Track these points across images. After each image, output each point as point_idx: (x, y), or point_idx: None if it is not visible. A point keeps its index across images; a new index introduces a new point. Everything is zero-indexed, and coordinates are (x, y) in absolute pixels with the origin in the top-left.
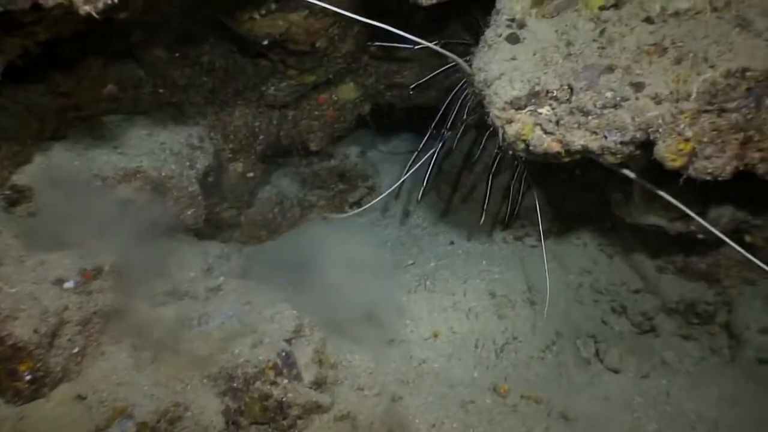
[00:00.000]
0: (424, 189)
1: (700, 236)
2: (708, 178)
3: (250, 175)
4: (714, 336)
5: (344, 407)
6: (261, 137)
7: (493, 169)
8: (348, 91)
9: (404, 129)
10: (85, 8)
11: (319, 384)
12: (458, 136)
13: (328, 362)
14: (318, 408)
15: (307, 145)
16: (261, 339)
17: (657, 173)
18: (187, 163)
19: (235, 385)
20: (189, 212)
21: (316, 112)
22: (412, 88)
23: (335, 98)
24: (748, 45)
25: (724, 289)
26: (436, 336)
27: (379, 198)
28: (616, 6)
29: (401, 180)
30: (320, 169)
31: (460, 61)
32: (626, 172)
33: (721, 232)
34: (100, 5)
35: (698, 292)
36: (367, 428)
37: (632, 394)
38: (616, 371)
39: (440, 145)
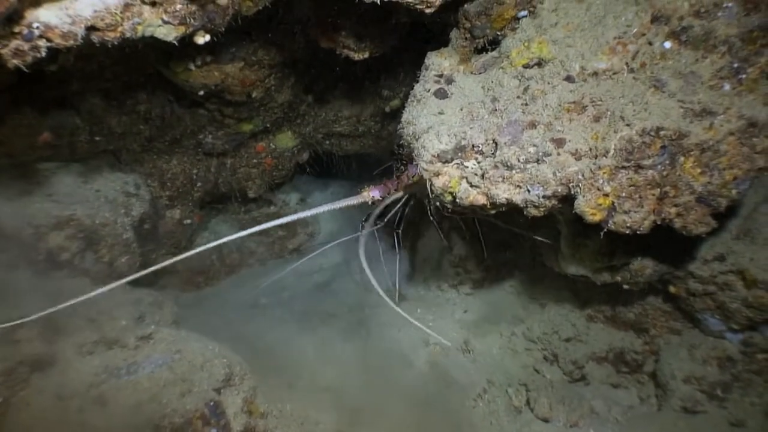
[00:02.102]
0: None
1: (625, 287)
2: (627, 231)
3: (188, 221)
4: (642, 385)
5: None
6: (199, 184)
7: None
8: (286, 139)
9: (342, 176)
10: (14, 62)
11: None
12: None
13: (258, 411)
14: None
15: (246, 192)
16: (190, 388)
17: (582, 224)
18: (122, 211)
19: None
20: (123, 259)
21: (255, 160)
22: None
23: (273, 146)
24: (662, 105)
25: (652, 339)
26: (369, 387)
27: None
28: (539, 65)
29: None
30: (259, 216)
31: None
32: None
33: (646, 282)
34: (29, 59)
35: (627, 341)
36: None
37: None
38: (545, 420)
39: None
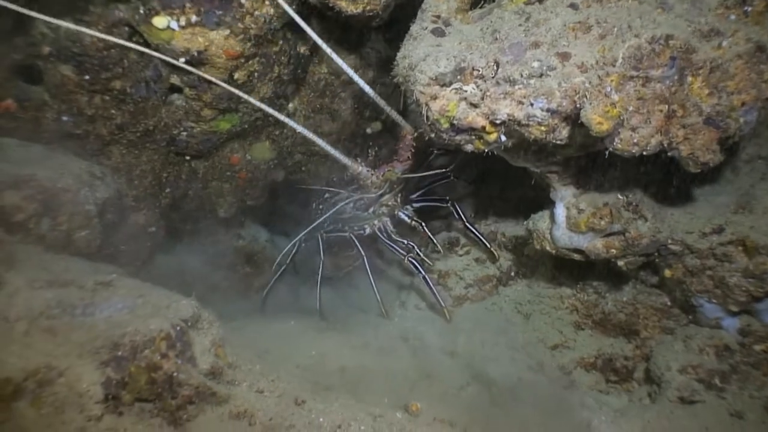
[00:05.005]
0: None
1: (620, 264)
2: (634, 150)
3: (152, 229)
4: (632, 393)
5: (241, 404)
6: (168, 189)
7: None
8: (263, 150)
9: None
10: None
11: (215, 375)
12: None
13: (226, 360)
14: (213, 396)
15: (216, 210)
16: (154, 315)
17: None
18: (87, 188)
19: (119, 353)
20: (82, 233)
21: (228, 173)
22: None
23: (249, 158)
24: (670, 20)
25: (643, 341)
26: (343, 370)
27: None
28: (540, 1)
29: None
30: (227, 249)
31: None
32: None
33: (642, 256)
34: None
35: (617, 346)
36: (266, 424)
37: (553, 425)
38: (534, 406)
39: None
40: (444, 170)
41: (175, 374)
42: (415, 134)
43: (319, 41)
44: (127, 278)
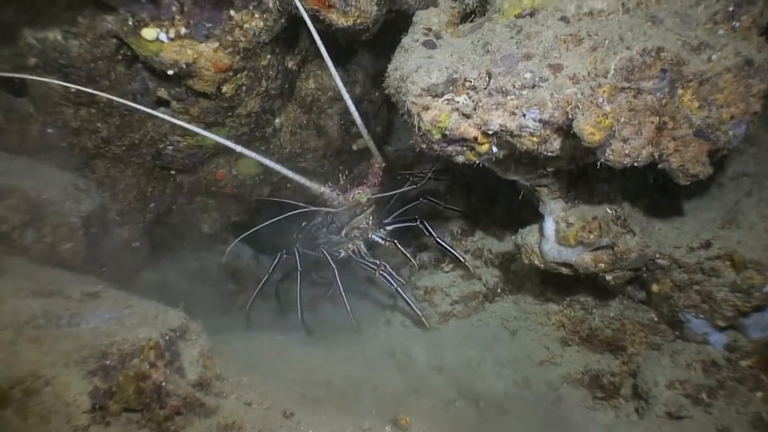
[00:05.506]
0: None
1: (608, 278)
2: (625, 162)
3: (136, 245)
4: (619, 409)
5: (229, 416)
6: (152, 204)
7: None
8: (249, 165)
9: None
10: None
11: (203, 386)
12: None
13: (214, 372)
14: (201, 407)
15: (201, 227)
16: (142, 325)
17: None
18: (71, 200)
19: (107, 362)
20: (67, 246)
21: (213, 188)
22: None
23: (235, 173)
24: (660, 34)
25: (630, 357)
26: (331, 383)
27: None
28: (531, 15)
29: None
30: (211, 266)
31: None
32: None
33: (629, 269)
34: None
35: (603, 362)
36: None
37: None
38: (521, 422)
39: None
40: (415, 186)
41: (163, 384)
42: (384, 164)
43: (323, 50)
44: (113, 289)
